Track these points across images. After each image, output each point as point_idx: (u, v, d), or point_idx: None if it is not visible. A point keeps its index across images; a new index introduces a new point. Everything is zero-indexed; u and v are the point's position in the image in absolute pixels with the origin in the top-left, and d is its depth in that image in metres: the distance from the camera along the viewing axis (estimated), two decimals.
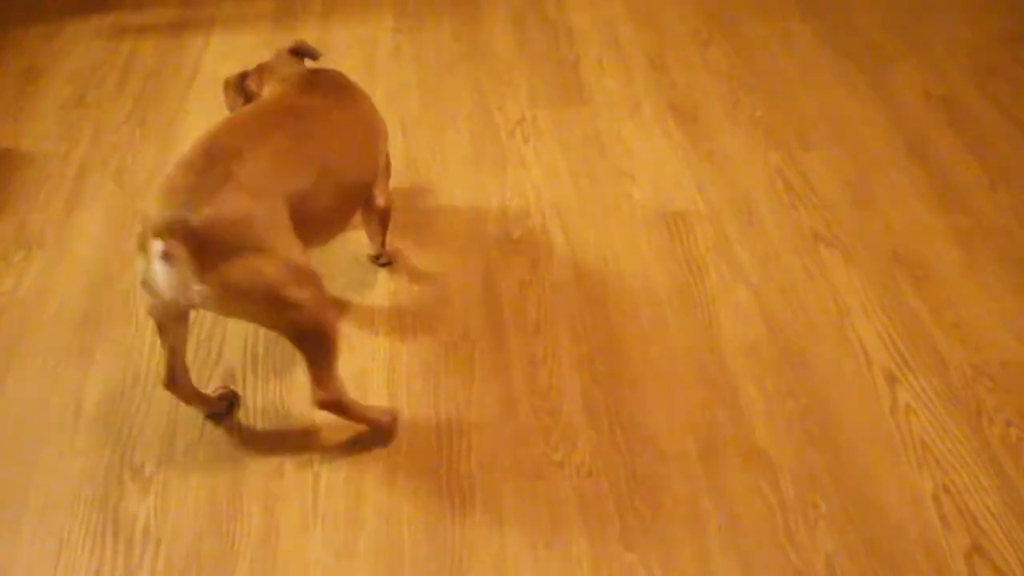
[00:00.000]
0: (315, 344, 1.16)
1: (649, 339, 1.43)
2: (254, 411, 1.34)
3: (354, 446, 1.29)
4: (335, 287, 1.53)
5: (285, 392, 1.37)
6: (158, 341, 1.23)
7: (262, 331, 1.45)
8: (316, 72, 1.38)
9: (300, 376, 1.38)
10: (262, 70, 1.39)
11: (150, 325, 1.46)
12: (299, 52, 1.41)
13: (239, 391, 1.37)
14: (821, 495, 1.21)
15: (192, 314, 1.46)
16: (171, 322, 1.21)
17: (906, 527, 1.18)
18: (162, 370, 1.25)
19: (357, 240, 1.61)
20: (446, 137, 1.84)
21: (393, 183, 1.74)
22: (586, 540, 1.17)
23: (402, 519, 1.20)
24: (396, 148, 1.81)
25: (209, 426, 1.32)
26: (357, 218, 1.47)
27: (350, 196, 1.31)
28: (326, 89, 1.33)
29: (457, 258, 1.58)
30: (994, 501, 1.20)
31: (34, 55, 2.11)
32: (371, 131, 1.39)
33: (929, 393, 1.34)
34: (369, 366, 1.39)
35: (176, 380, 1.26)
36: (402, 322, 1.47)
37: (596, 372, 1.38)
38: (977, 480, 1.23)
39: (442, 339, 1.43)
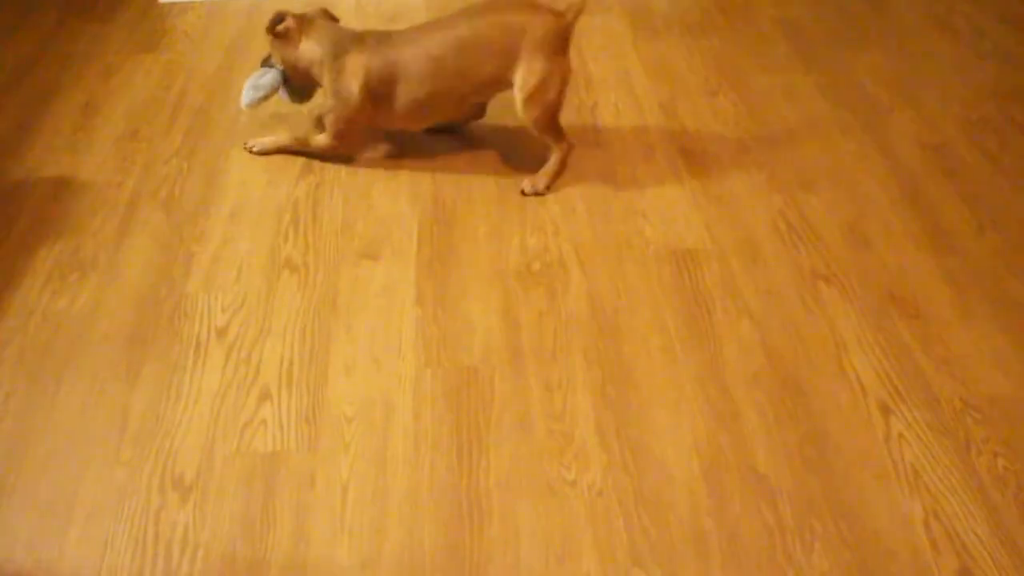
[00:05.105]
0: None
1: (658, 368, 1.49)
2: (288, 426, 1.41)
3: (380, 461, 1.36)
4: (364, 315, 1.61)
5: (318, 409, 1.43)
6: None
7: (296, 350, 1.54)
8: None
9: (331, 394, 1.46)
10: (302, 21, 1.80)
11: (193, 345, 1.56)
12: (329, 15, 1.86)
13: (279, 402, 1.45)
14: (818, 518, 1.26)
15: (234, 332, 1.56)
16: None
17: (898, 550, 1.22)
18: None
19: (384, 271, 1.70)
20: (471, 176, 1.93)
21: (422, 217, 1.81)
22: (596, 555, 1.22)
23: (424, 531, 1.25)
24: (424, 189, 1.91)
25: (246, 440, 1.38)
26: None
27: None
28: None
29: (479, 288, 1.64)
30: (981, 527, 1.25)
31: (93, 91, 2.19)
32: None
33: (921, 424, 1.40)
34: (395, 388, 1.46)
35: None
36: (427, 347, 1.53)
37: (608, 398, 1.44)
38: (966, 507, 1.28)
39: (464, 363, 1.50)
